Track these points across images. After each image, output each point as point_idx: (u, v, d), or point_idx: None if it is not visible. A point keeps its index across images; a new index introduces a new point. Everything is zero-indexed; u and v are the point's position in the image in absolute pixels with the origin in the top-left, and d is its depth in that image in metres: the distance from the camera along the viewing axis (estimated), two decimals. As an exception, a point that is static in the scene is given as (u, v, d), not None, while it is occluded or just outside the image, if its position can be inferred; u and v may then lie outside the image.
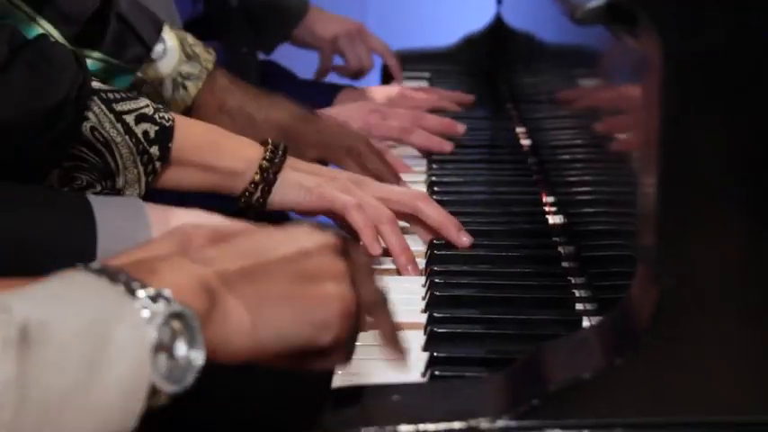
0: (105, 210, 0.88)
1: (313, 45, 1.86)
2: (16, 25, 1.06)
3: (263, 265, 0.64)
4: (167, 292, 0.57)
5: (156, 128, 1.00)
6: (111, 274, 0.57)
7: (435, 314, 0.88)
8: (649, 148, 0.65)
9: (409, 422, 0.65)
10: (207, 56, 1.20)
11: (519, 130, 1.48)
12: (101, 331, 0.54)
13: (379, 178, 1.18)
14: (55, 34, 1.11)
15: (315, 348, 0.64)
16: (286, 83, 1.72)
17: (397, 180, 1.22)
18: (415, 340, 0.85)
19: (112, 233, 0.86)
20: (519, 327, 0.87)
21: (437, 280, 0.96)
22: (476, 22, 1.88)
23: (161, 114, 1.01)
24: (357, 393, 0.70)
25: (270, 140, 1.06)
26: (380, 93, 1.59)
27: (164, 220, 0.90)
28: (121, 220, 0.88)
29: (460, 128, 1.41)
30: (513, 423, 0.64)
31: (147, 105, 1.01)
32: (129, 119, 0.99)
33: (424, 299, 0.94)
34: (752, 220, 0.64)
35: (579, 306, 0.91)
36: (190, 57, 1.18)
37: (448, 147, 1.37)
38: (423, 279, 0.99)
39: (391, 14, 2.60)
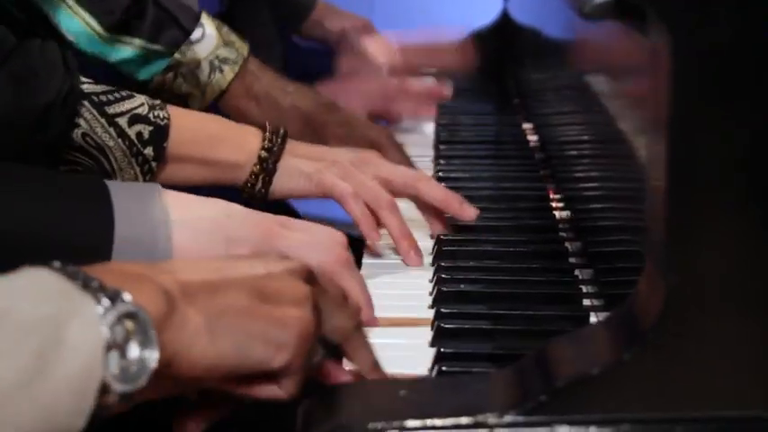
0: (122, 194, 0.88)
1: (321, 38, 1.86)
2: (52, 11, 1.06)
3: (227, 280, 0.65)
4: (125, 294, 0.57)
5: (151, 128, 1.00)
6: (70, 272, 0.57)
7: (442, 310, 0.88)
8: (657, 144, 0.65)
9: (416, 417, 0.64)
10: (241, 43, 1.21)
11: (526, 125, 1.48)
12: (52, 326, 0.54)
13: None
14: (91, 22, 1.11)
15: (268, 370, 0.64)
16: (288, 47, 1.72)
17: (416, 180, 1.22)
18: (422, 336, 0.85)
19: (130, 217, 0.86)
20: (526, 322, 0.87)
21: (444, 275, 0.96)
22: (483, 18, 1.88)
23: (156, 113, 1.01)
24: (364, 388, 0.70)
25: (268, 126, 1.06)
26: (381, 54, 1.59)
27: (183, 206, 0.90)
28: (139, 205, 0.87)
29: (446, 91, 1.40)
30: (520, 418, 0.64)
31: (143, 104, 1.00)
32: (122, 121, 0.99)
33: (431, 294, 0.94)
34: (761, 217, 0.64)
35: (586, 302, 0.91)
36: (226, 43, 1.19)
37: (432, 110, 1.37)
38: (430, 274, 0.99)
39: (398, 10, 2.59)
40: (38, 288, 0.56)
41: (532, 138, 1.43)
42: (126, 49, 1.15)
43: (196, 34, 1.17)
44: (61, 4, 1.12)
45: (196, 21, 1.18)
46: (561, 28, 1.25)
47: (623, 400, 0.65)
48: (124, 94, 1.00)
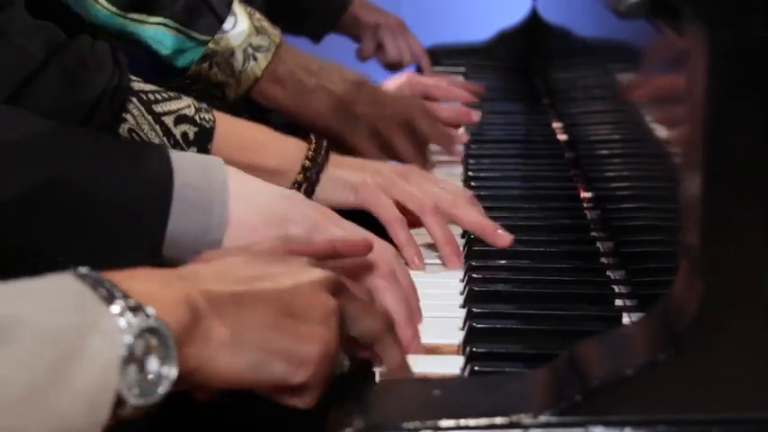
0: (184, 159, 0.88)
1: (355, 32, 1.87)
2: (82, 10, 1.07)
3: (254, 294, 0.64)
4: (148, 308, 0.57)
5: (196, 129, 1.00)
6: (94, 281, 0.57)
7: (474, 309, 0.88)
8: (694, 142, 0.65)
9: (450, 417, 0.64)
10: (273, 30, 1.21)
11: (555, 125, 1.48)
12: (73, 336, 0.54)
13: (433, 140, 1.19)
14: (105, 4, 1.12)
15: (287, 385, 0.65)
16: None
17: (451, 143, 1.21)
18: (453, 335, 0.85)
19: (189, 180, 0.87)
20: (558, 322, 0.86)
21: (475, 275, 0.95)
22: (511, 17, 1.88)
23: (202, 115, 1.01)
24: (398, 388, 0.70)
25: (313, 137, 1.06)
26: (390, 84, 1.58)
27: (243, 180, 0.91)
28: (200, 172, 0.88)
29: (475, 115, 1.39)
30: (554, 419, 0.64)
31: (189, 106, 1.01)
32: (169, 120, 0.99)
33: (461, 294, 0.94)
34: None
35: (619, 302, 0.91)
36: (259, 30, 1.19)
37: (463, 139, 1.35)
38: (461, 274, 0.99)
39: (425, 9, 2.59)
40: (59, 297, 0.56)
41: (562, 137, 1.42)
42: (156, 30, 1.14)
43: (228, 23, 1.17)
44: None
45: (229, 6, 1.18)
46: (591, 26, 1.25)
47: (659, 401, 0.64)
48: (172, 94, 1.01)
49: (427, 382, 0.71)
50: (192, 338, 0.60)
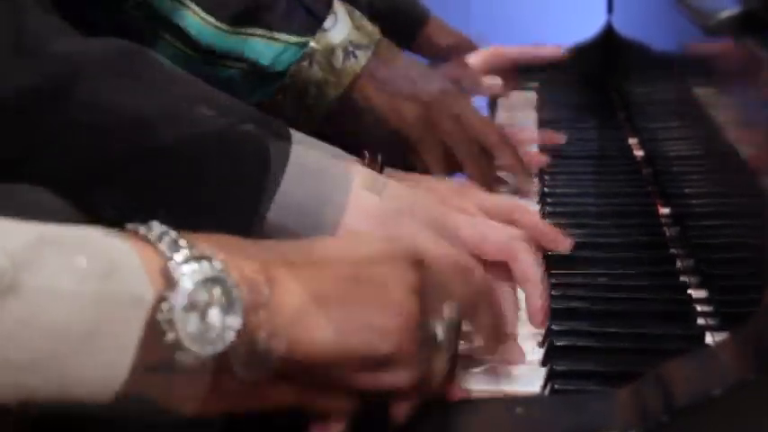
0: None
1: (428, 54, 1.87)
2: (161, 9, 1.08)
3: (325, 265, 0.64)
4: (216, 261, 0.57)
5: None
6: (161, 232, 0.58)
7: (554, 327, 0.87)
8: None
9: (534, 436, 0.64)
10: (372, 28, 1.22)
11: (631, 140, 1.46)
12: (125, 277, 0.55)
13: (508, 169, 1.19)
14: (203, 15, 1.13)
15: (378, 357, 0.63)
16: None
17: (529, 176, 1.21)
18: (532, 353, 0.84)
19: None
20: (638, 341, 0.85)
21: (554, 292, 0.95)
22: (585, 32, 1.86)
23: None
24: (481, 406, 0.70)
25: (366, 154, 1.06)
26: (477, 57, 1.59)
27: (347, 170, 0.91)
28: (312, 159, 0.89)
29: (561, 138, 1.38)
30: (640, 439, 0.63)
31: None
32: None
33: (540, 310, 0.93)
34: None
35: (701, 321, 0.90)
36: (359, 28, 1.20)
37: (544, 159, 1.35)
38: (538, 291, 0.98)
39: (496, 23, 2.58)
40: (120, 241, 0.56)
41: (639, 152, 1.41)
42: (256, 42, 1.16)
43: (329, 21, 1.18)
44: (181, 7, 1.14)
45: (329, 7, 1.19)
46: (671, 41, 1.23)
47: (747, 422, 0.63)
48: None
49: (510, 400, 0.71)
50: (264, 305, 0.59)
